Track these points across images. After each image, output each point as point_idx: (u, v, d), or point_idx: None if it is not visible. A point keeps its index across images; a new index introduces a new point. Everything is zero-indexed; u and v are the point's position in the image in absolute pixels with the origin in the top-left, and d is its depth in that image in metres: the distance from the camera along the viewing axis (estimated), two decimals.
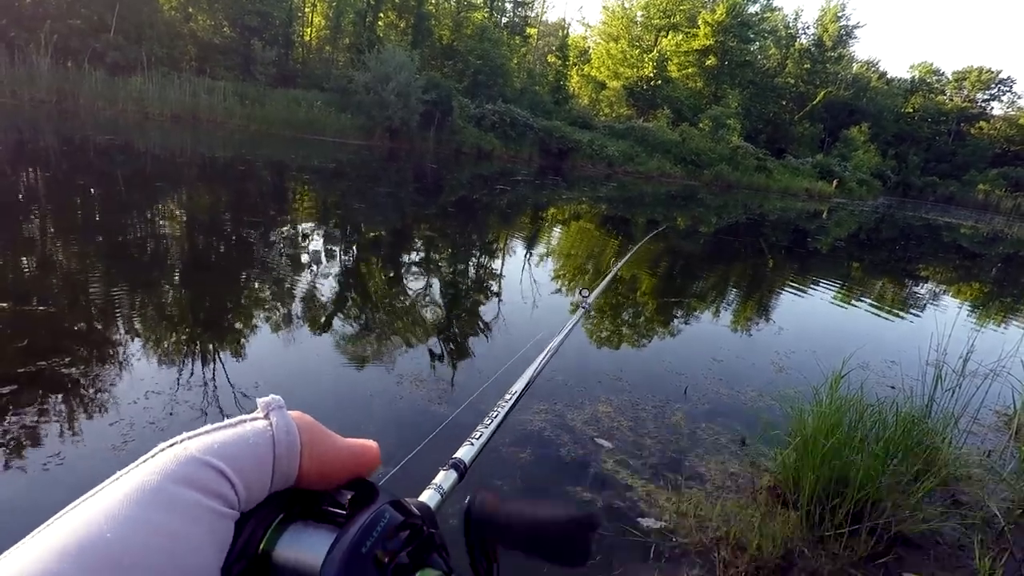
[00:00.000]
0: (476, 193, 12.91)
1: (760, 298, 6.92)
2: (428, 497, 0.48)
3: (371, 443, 0.32)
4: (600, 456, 2.64)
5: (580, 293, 1.45)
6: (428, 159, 17.84)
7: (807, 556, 2.09)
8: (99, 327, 3.33)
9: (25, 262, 4.27)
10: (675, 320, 5.39)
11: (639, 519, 2.24)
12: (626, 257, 2.48)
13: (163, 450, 0.24)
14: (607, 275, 1.81)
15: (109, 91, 15.40)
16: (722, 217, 15.80)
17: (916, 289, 9.24)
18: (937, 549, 2.24)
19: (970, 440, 3.14)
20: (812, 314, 6.45)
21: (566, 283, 6.24)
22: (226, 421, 0.27)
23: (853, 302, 7.29)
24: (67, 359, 2.84)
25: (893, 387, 3.81)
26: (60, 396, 2.56)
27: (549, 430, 2.79)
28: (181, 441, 0.25)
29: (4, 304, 3.35)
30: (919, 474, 2.36)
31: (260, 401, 0.28)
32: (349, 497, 0.29)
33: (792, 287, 7.71)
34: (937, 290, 9.33)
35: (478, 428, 0.65)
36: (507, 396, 0.78)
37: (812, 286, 7.91)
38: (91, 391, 2.64)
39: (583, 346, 4.19)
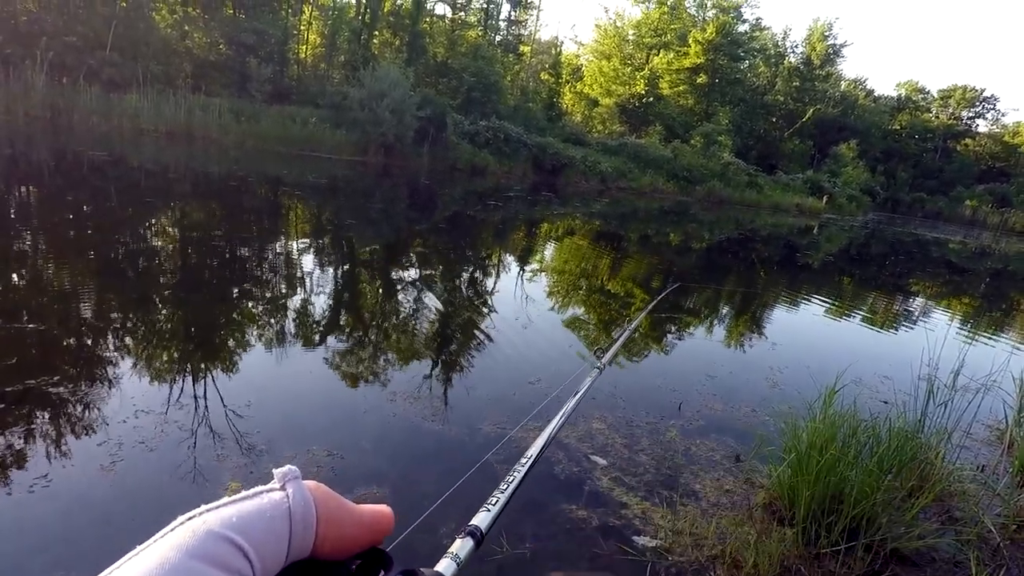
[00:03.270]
0: (470, 209, 12.96)
1: (753, 313, 6.95)
2: (444, 567, 0.48)
3: (385, 510, 0.32)
4: (595, 473, 2.63)
5: (595, 353, 1.46)
6: (422, 175, 17.92)
7: (803, 574, 2.07)
8: (89, 345, 3.30)
9: (15, 278, 4.24)
10: (668, 336, 5.40)
11: (634, 537, 2.22)
12: (640, 316, 2.52)
13: (182, 523, 0.25)
14: (620, 336, 1.83)
15: (104, 107, 15.41)
16: (715, 233, 15.92)
17: (907, 304, 9.31)
18: (933, 566, 2.23)
19: (963, 455, 3.14)
20: (805, 329, 6.48)
21: (560, 299, 6.25)
22: (243, 493, 0.27)
23: (845, 317, 7.34)
24: (56, 377, 2.81)
25: (886, 402, 3.82)
26: (48, 415, 2.53)
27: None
28: (199, 514, 0.25)
29: None
30: (913, 490, 2.36)
31: (276, 472, 0.29)
32: (364, 567, 0.30)
33: (785, 302, 7.75)
34: (928, 305, 9.41)
35: (494, 494, 0.64)
36: (523, 460, 0.77)
37: (805, 301, 7.96)
38: (80, 410, 2.60)
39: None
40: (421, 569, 0.32)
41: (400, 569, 0.29)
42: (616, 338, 1.79)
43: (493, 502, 0.62)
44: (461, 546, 0.52)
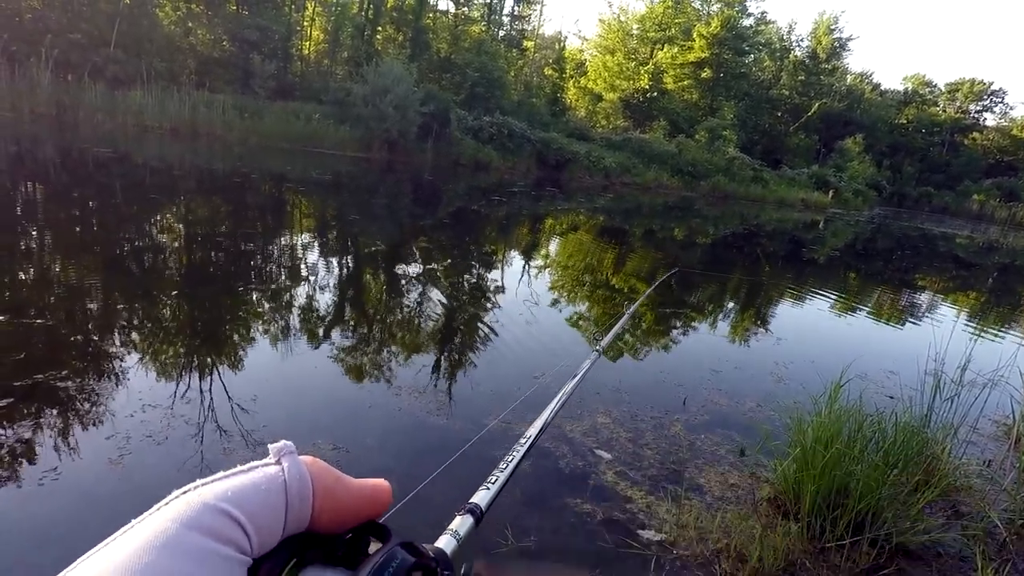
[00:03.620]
0: (474, 204, 12.96)
1: (758, 308, 6.93)
2: (444, 543, 0.48)
3: (383, 483, 0.32)
4: (600, 467, 2.63)
5: (593, 337, 1.47)
6: (426, 171, 17.91)
7: (808, 568, 2.07)
8: (96, 340, 3.32)
9: (22, 275, 4.26)
10: (673, 331, 5.39)
11: (639, 531, 2.22)
12: (637, 302, 2.53)
13: (177, 497, 0.25)
14: (618, 320, 1.83)
15: (109, 104, 15.47)
16: (719, 228, 15.86)
17: (914, 299, 9.26)
18: (939, 561, 2.22)
19: (970, 450, 3.13)
20: (810, 324, 6.45)
21: (565, 294, 6.24)
22: (238, 468, 0.27)
23: (851, 312, 7.30)
24: (63, 372, 2.83)
25: (892, 397, 3.81)
26: (56, 409, 2.55)
27: (548, 441, 2.78)
28: (195, 488, 0.25)
29: (1, 317, 3.34)
30: (919, 484, 2.35)
31: (272, 447, 0.29)
32: (362, 540, 0.30)
33: (790, 297, 7.72)
34: (934, 300, 9.35)
35: (494, 472, 0.65)
36: (522, 440, 0.78)
37: (810, 296, 7.93)
38: (87, 404, 2.62)
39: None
40: (423, 545, 0.32)
41: (398, 541, 0.30)
42: (614, 322, 1.80)
43: (493, 480, 0.62)
44: (461, 523, 0.52)
